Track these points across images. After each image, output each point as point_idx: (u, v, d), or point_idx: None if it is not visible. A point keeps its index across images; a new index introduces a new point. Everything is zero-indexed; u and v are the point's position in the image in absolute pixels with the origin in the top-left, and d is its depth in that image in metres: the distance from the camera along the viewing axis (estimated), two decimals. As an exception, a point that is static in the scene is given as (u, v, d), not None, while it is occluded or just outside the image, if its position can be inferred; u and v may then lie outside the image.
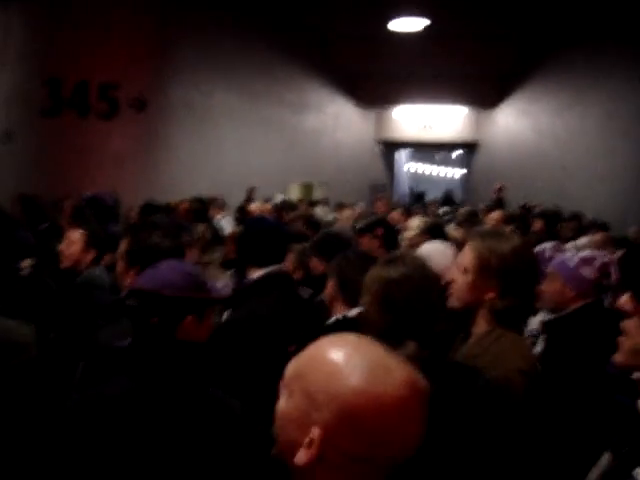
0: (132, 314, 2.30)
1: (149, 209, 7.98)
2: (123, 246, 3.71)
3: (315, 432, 1.29)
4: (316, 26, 15.14)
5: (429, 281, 2.40)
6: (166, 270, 2.39)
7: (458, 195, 21.67)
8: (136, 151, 12.76)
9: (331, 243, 4.83)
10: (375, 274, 2.43)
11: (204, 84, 13.66)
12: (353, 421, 1.28)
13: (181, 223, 5.68)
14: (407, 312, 2.30)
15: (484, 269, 2.55)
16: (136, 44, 12.78)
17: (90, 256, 4.35)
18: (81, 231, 4.40)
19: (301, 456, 1.30)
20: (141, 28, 12.85)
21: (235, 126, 14.28)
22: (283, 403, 1.38)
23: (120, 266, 3.65)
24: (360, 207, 11.37)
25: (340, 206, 11.42)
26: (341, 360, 1.32)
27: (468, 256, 2.62)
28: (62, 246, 4.43)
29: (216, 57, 13.70)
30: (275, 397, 1.41)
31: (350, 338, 1.39)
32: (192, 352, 2.20)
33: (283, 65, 15.36)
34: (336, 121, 17.25)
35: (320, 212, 10.25)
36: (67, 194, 10.14)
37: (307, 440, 1.30)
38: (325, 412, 1.29)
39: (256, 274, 3.70)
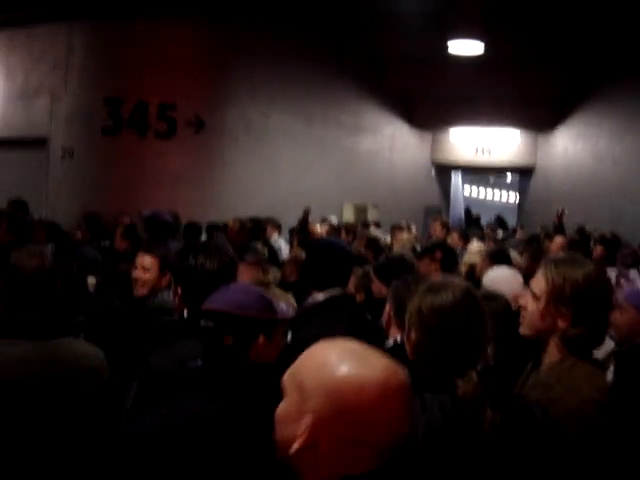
0: (206, 335, 2.29)
1: (192, 230, 7.99)
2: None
3: (307, 419, 1.39)
4: (373, 48, 15.19)
5: (476, 308, 2.31)
6: (236, 291, 2.39)
7: (510, 219, 21.43)
8: (193, 170, 12.89)
9: (393, 267, 4.80)
10: (418, 301, 2.34)
11: (261, 104, 13.76)
12: (340, 405, 1.38)
13: (244, 243, 5.67)
14: (452, 340, 2.22)
15: (557, 296, 2.48)
16: (194, 65, 12.96)
17: (165, 281, 4.22)
18: (153, 256, 4.29)
19: (295, 445, 1.39)
20: (199, 49, 13.02)
21: (291, 147, 14.34)
22: (281, 405, 1.47)
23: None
24: (414, 229, 11.31)
25: (396, 228, 11.38)
26: (328, 353, 1.45)
27: (540, 282, 2.54)
28: (136, 273, 4.30)
29: (273, 78, 13.77)
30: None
31: (338, 340, 1.52)
32: (264, 372, 2.18)
33: (339, 87, 15.39)
34: (392, 143, 17.22)
35: (374, 234, 10.21)
36: (125, 212, 10.32)
37: (301, 430, 1.39)
38: (314, 399, 1.40)
39: (320, 296, 3.67)
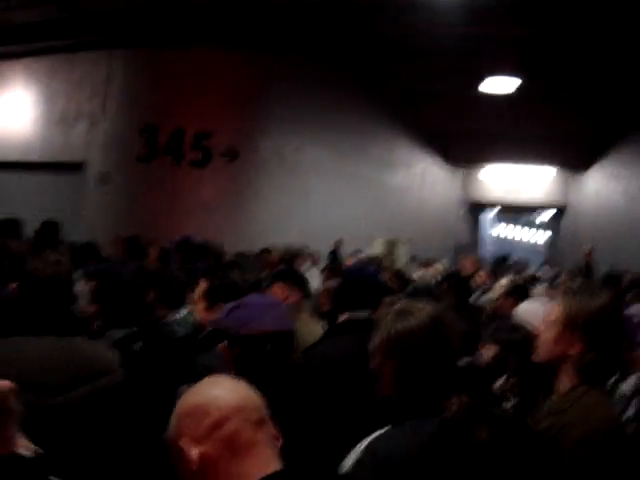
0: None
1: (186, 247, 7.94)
2: (202, 286, 3.79)
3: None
4: (407, 83, 15.28)
5: (442, 333, 2.33)
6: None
7: (541, 258, 21.28)
8: (226, 199, 13.02)
9: (419, 296, 4.77)
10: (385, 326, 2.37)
11: (294, 137, 13.89)
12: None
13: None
14: (414, 364, 2.26)
15: (570, 322, 2.51)
16: (230, 96, 13.15)
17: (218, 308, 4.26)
18: (205, 285, 4.26)
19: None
20: (235, 81, 13.22)
21: (323, 179, 14.43)
22: None
23: (200, 305, 3.74)
24: (444, 264, 11.30)
25: (425, 264, 11.39)
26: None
27: (555, 310, 2.59)
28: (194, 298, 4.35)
29: (306, 111, 13.90)
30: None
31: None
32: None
33: (372, 121, 15.48)
34: (423, 179, 17.23)
35: (404, 268, 10.24)
36: (157, 237, 10.42)
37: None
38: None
39: (344, 316, 3.76)
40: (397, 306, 2.47)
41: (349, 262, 9.52)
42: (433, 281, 7.89)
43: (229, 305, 2.60)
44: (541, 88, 14.03)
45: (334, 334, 3.84)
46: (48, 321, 2.84)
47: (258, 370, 2.37)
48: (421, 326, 2.30)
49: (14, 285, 3.06)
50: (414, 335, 2.29)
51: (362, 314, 3.73)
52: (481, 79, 13.23)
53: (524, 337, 3.39)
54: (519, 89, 13.16)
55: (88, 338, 3.11)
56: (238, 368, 2.40)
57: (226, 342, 2.50)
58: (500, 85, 13.30)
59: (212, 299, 3.86)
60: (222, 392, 1.70)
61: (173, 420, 1.68)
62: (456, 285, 5.89)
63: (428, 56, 13.65)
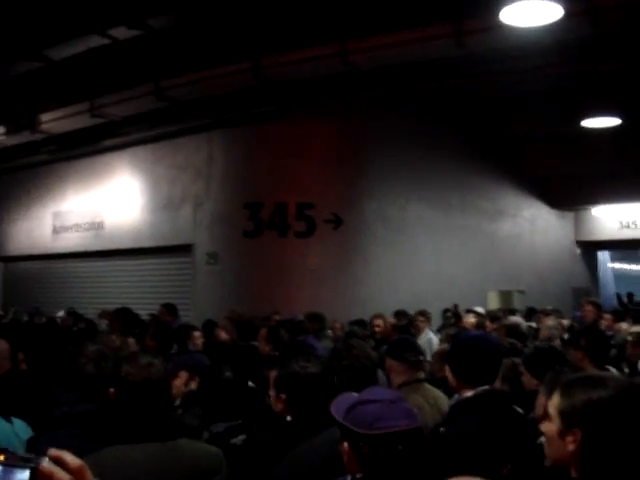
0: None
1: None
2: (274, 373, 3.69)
3: None
4: (506, 130, 15.03)
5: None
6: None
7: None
8: (334, 266, 12.96)
9: (542, 358, 4.70)
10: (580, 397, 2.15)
11: (397, 197, 13.77)
12: None
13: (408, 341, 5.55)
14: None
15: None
16: (329, 164, 13.19)
17: None
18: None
19: None
20: (332, 148, 13.27)
21: (430, 236, 14.20)
22: None
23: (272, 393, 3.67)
24: (561, 315, 10.90)
25: (542, 313, 11.00)
26: None
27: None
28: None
29: (408, 169, 13.80)
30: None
31: None
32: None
33: (475, 172, 15.25)
34: (533, 225, 16.84)
35: (518, 320, 9.89)
36: (270, 312, 10.45)
37: None
38: None
39: (468, 393, 3.68)
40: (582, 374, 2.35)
41: (468, 323, 9.21)
42: (559, 335, 7.55)
43: (346, 400, 2.47)
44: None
45: (469, 411, 3.67)
46: (148, 427, 2.83)
47: (390, 471, 2.25)
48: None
49: (112, 390, 3.02)
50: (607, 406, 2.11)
51: (486, 388, 3.69)
52: (582, 119, 12.91)
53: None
54: (622, 124, 12.76)
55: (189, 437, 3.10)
56: (366, 469, 2.29)
57: (346, 442, 2.36)
58: (602, 122, 12.94)
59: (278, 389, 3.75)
60: None
61: None
62: (595, 340, 5.54)
63: (526, 101, 13.42)
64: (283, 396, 3.25)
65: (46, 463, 1.13)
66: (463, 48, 9.48)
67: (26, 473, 1.12)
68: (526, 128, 14.74)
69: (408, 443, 2.27)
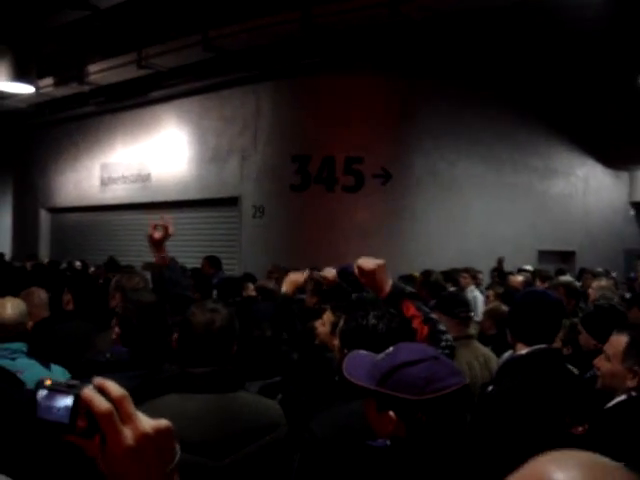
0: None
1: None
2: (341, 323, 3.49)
3: None
4: (558, 89, 14.59)
5: None
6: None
7: None
8: (381, 222, 12.78)
9: (603, 318, 4.56)
10: None
11: (448, 153, 13.49)
12: None
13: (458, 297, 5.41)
14: None
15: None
16: (378, 118, 12.95)
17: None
18: (330, 314, 4.19)
19: None
20: (382, 102, 13.03)
21: (480, 194, 13.91)
22: None
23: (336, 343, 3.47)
24: (610, 276, 10.63)
25: (593, 275, 10.74)
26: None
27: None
28: (318, 324, 4.35)
29: (459, 126, 13.49)
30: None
31: (584, 458, 0.99)
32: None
33: (527, 130, 14.88)
34: (586, 185, 16.43)
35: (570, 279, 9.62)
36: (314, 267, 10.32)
37: None
38: None
39: (524, 350, 3.58)
40: None
41: (516, 282, 8.96)
42: (614, 297, 7.30)
43: (366, 362, 2.17)
44: None
45: (521, 369, 3.54)
46: (208, 376, 2.70)
47: (441, 433, 2.02)
48: None
49: (175, 336, 2.91)
50: None
51: (543, 346, 3.56)
52: (636, 74, 12.49)
53: None
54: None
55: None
56: (415, 434, 2.02)
57: (392, 411, 2.04)
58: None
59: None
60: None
61: None
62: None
63: (577, 59, 12.96)
64: (346, 351, 3.04)
65: (88, 390, 1.14)
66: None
67: (70, 399, 1.14)
68: (578, 85, 14.28)
69: (459, 402, 2.03)
